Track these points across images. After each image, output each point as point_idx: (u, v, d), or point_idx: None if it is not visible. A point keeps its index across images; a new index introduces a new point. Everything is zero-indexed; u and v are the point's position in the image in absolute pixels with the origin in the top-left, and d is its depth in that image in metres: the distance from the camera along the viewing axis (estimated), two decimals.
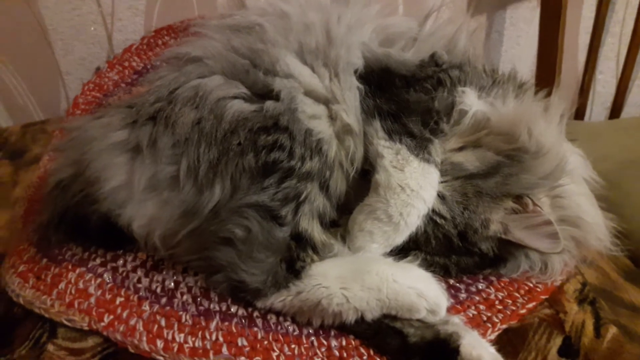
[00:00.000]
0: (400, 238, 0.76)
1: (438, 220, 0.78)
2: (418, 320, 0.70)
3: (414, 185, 0.75)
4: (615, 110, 1.59)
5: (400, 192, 0.75)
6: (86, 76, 1.36)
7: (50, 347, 0.70)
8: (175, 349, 0.69)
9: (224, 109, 0.77)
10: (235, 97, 0.78)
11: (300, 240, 0.74)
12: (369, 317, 0.70)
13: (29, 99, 1.41)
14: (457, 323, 0.71)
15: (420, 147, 0.77)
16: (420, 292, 0.69)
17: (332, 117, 0.81)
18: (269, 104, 0.77)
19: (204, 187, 0.74)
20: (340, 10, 0.87)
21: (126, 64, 1.33)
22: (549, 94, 0.83)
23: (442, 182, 0.78)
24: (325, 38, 0.83)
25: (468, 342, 0.67)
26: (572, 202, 0.80)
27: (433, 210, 0.77)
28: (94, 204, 0.77)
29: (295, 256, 0.73)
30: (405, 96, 0.81)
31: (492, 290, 0.80)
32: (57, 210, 0.80)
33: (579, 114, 1.59)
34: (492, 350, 0.68)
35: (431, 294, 0.70)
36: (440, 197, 0.78)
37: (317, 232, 0.76)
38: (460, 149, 0.80)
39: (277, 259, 0.73)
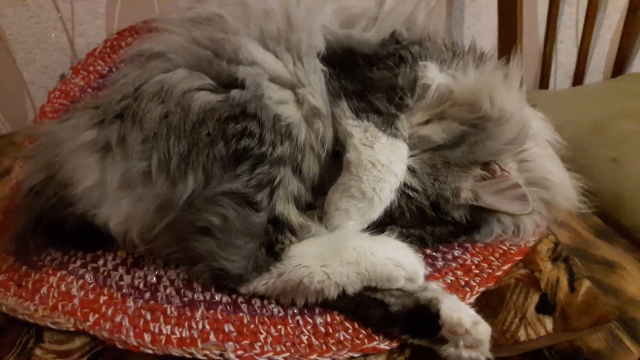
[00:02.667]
0: (375, 213, 0.78)
1: (410, 193, 0.80)
2: (398, 289, 0.72)
3: (384, 161, 0.76)
4: (578, 78, 1.63)
5: (372, 168, 0.76)
6: (51, 84, 1.34)
7: (38, 352, 0.70)
8: (163, 341, 0.69)
9: (190, 100, 0.77)
10: (200, 89, 0.79)
11: (278, 224, 0.75)
12: (350, 291, 0.72)
13: None
14: (435, 289, 0.73)
15: (387, 123, 0.78)
16: (398, 261, 0.71)
17: (299, 102, 0.82)
18: (235, 93, 0.78)
19: (176, 179, 0.74)
20: None
21: (91, 68, 1.31)
22: (507, 62, 0.85)
23: (411, 156, 0.80)
24: (285, 23, 0.84)
25: (447, 306, 0.69)
26: (538, 164, 0.83)
27: (405, 184, 0.79)
28: (69, 206, 0.77)
29: (274, 239, 0.74)
30: (369, 75, 0.82)
31: (468, 256, 0.82)
32: (32, 216, 0.79)
33: (543, 84, 1.63)
34: (471, 312, 0.70)
35: (408, 262, 0.72)
36: (411, 170, 0.80)
37: (293, 215, 0.78)
38: (426, 122, 0.82)
39: (256, 244, 0.74)
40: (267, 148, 0.76)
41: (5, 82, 1.36)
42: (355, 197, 0.77)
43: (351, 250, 0.72)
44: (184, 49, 0.84)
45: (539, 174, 0.83)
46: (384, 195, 0.77)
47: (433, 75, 0.82)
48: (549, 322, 0.75)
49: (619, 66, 1.63)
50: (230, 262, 0.73)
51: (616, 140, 1.18)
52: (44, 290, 0.76)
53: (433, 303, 0.70)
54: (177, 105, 0.77)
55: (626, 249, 0.98)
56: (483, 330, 0.68)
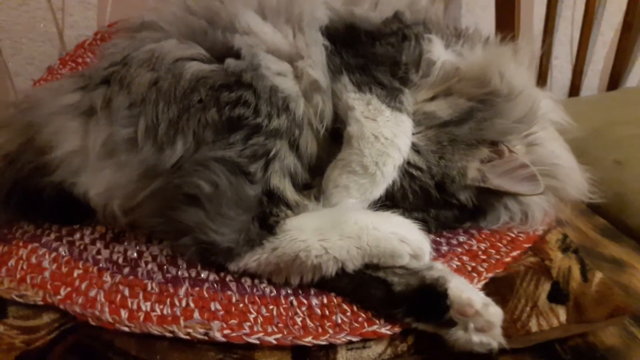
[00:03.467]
0: (377, 190, 0.73)
1: (414, 172, 0.75)
2: (401, 267, 0.66)
3: (388, 134, 0.72)
4: (573, 94, 1.61)
5: (375, 142, 0.72)
6: (37, 76, 1.29)
7: (1, 328, 0.63)
8: (142, 318, 0.63)
9: (182, 68, 0.73)
10: (193, 59, 0.75)
11: (272, 197, 0.70)
12: (350, 267, 0.66)
13: None
14: (441, 268, 0.67)
15: (391, 96, 0.74)
16: (402, 236, 0.66)
17: (298, 76, 0.78)
18: (230, 61, 0.74)
19: (164, 145, 0.69)
20: None
21: (79, 60, 1.26)
22: (513, 40, 0.82)
23: (415, 133, 0.76)
24: None
25: (455, 285, 0.63)
26: (547, 149, 0.79)
27: (408, 163, 0.75)
28: (46, 174, 0.72)
29: (268, 212, 0.69)
30: (371, 50, 0.79)
31: (474, 242, 0.77)
32: (5, 186, 0.73)
33: None
34: (481, 294, 0.65)
35: (413, 238, 0.66)
36: (415, 148, 0.75)
37: (289, 191, 0.73)
38: (432, 99, 0.78)
39: (249, 217, 0.68)
40: (263, 119, 0.72)
41: None
42: (357, 172, 0.72)
43: (352, 223, 0.67)
44: (177, 18, 0.80)
45: (548, 159, 0.79)
46: (387, 171, 0.72)
47: (438, 51, 0.79)
48: (562, 313, 0.70)
49: (614, 83, 1.63)
50: (219, 234, 0.67)
51: (618, 143, 1.16)
52: (11, 262, 0.69)
53: (440, 282, 0.64)
54: (167, 72, 0.73)
55: (634, 248, 0.94)
56: (495, 312, 0.62)
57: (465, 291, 0.63)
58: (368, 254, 0.66)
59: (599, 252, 0.93)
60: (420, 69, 0.78)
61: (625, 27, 1.55)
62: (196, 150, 0.69)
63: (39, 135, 0.71)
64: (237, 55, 0.75)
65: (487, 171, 0.75)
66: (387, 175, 0.72)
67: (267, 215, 0.68)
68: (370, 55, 0.78)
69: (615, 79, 1.62)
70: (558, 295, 0.71)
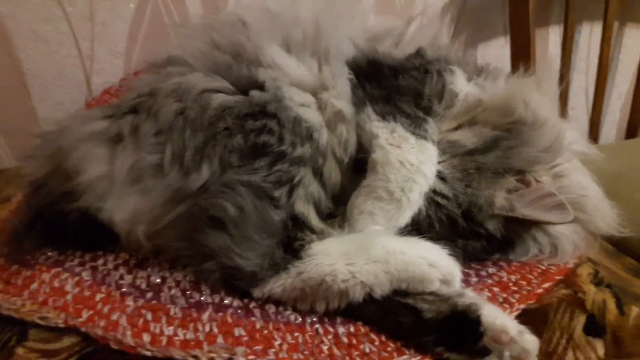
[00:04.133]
0: (403, 217, 0.72)
1: (440, 200, 0.74)
2: (431, 294, 0.64)
3: (414, 160, 0.72)
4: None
5: (400, 167, 0.71)
6: None
7: (20, 351, 0.61)
8: (164, 342, 0.61)
9: (208, 99, 0.74)
10: (219, 91, 0.76)
11: (297, 222, 0.69)
12: (377, 292, 0.64)
13: (1, 146, 1.36)
14: (473, 296, 0.65)
15: (415, 125, 0.75)
16: (432, 261, 0.64)
17: (322, 107, 0.79)
18: (254, 93, 0.75)
19: (190, 170, 0.69)
20: (328, 6, 0.88)
21: (105, 104, 1.30)
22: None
23: (441, 162, 0.76)
24: (314, 29, 0.83)
25: (489, 312, 0.61)
26: (573, 180, 0.78)
27: (434, 191, 0.74)
28: (72, 200, 0.72)
29: (293, 236, 0.68)
30: (395, 82, 0.80)
31: (504, 273, 0.75)
32: (31, 212, 0.73)
33: None
34: (515, 322, 0.62)
35: (443, 262, 0.65)
36: (440, 176, 0.75)
37: (313, 218, 0.72)
38: (456, 128, 0.78)
39: (274, 242, 0.67)
40: (287, 147, 0.72)
41: (17, 116, 1.35)
42: (382, 198, 0.71)
43: (379, 247, 0.65)
44: (202, 53, 0.82)
45: (575, 190, 0.77)
46: (413, 198, 0.71)
47: (461, 83, 0.79)
48: (599, 347, 0.67)
49: (631, 133, 1.63)
50: (244, 259, 0.66)
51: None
52: (34, 285, 0.68)
53: (472, 308, 0.62)
54: (194, 102, 0.74)
55: None
56: (531, 340, 0.60)
57: (499, 318, 0.61)
58: (396, 278, 0.64)
59: (632, 292, 0.90)
60: (443, 100, 0.79)
61: None
62: (222, 174, 0.69)
63: (65, 161, 0.72)
64: (261, 88, 0.76)
65: (514, 200, 0.73)
66: (413, 201, 0.71)
67: (292, 240, 0.68)
68: (393, 87, 0.79)
69: (632, 129, 1.62)
70: (594, 328, 0.69)
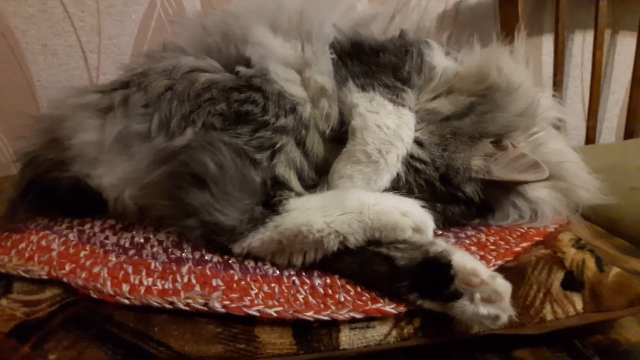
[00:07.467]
0: (381, 180, 0.73)
1: (418, 165, 0.76)
2: (404, 242, 0.65)
3: (391, 124, 0.74)
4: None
5: (378, 131, 0.74)
6: None
7: (4, 302, 0.63)
8: (143, 291, 0.62)
9: (196, 76, 0.78)
10: (207, 71, 0.80)
11: (277, 182, 0.71)
12: (351, 241, 0.65)
13: (10, 154, 1.41)
14: (445, 244, 0.66)
15: (394, 93, 0.77)
16: (404, 210, 0.66)
17: (306, 85, 0.82)
18: (240, 68, 0.79)
19: (175, 133, 0.72)
20: None
21: None
22: (511, 42, 0.85)
23: (418, 129, 0.78)
24: (297, 14, 0.87)
25: (460, 257, 0.62)
26: (550, 148, 0.79)
27: (412, 156, 0.76)
28: (63, 169, 0.75)
29: (272, 194, 0.70)
30: (375, 59, 0.83)
31: (483, 235, 0.75)
32: (24, 181, 0.77)
33: None
34: (488, 269, 0.63)
35: (415, 212, 0.66)
36: (418, 141, 0.77)
37: (294, 181, 0.74)
38: (434, 98, 0.81)
39: (253, 201, 0.69)
40: (271, 117, 0.75)
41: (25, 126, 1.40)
42: (360, 161, 0.73)
43: (354, 199, 0.67)
44: (194, 38, 0.86)
45: (553, 157, 0.78)
46: (390, 160, 0.73)
47: (438, 57, 0.82)
48: (578, 300, 0.67)
49: (628, 139, 1.63)
50: (224, 214, 0.68)
51: (634, 173, 1.14)
52: (22, 245, 0.70)
53: (444, 254, 0.63)
54: (182, 78, 0.78)
55: None
56: (502, 283, 0.60)
57: (470, 262, 0.61)
58: (370, 227, 0.65)
59: (621, 266, 0.89)
60: (422, 73, 0.81)
61: (635, 81, 1.59)
62: (205, 135, 0.72)
63: (59, 131, 0.75)
64: (247, 64, 0.80)
65: (491, 163, 0.75)
66: (391, 164, 0.73)
67: (270, 197, 0.69)
68: (374, 63, 0.82)
69: (630, 134, 1.62)
70: (572, 283, 0.68)
